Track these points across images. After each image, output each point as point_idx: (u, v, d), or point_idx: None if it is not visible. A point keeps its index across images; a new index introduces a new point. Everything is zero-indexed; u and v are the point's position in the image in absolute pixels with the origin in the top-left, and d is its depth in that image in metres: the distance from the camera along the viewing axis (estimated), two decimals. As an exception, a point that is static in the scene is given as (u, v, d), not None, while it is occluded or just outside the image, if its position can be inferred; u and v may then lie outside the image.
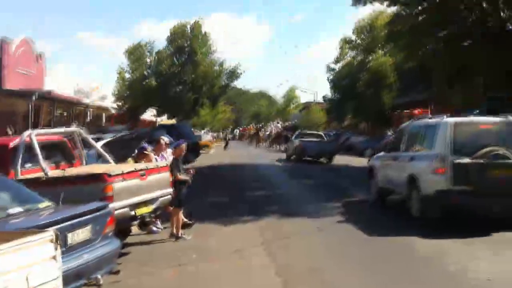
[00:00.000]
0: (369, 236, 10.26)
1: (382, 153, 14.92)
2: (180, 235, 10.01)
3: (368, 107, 42.47)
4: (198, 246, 9.47)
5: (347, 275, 7.66)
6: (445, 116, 11.75)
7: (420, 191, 11.14)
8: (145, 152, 10.69)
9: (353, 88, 44.44)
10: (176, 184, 9.90)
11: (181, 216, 10.29)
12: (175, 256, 8.75)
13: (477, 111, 13.66)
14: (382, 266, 8.07)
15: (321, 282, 7.28)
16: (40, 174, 8.24)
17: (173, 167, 10.05)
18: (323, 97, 55.13)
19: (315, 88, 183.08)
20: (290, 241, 9.95)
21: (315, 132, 38.27)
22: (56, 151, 10.13)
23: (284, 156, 35.27)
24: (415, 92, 36.37)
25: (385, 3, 25.03)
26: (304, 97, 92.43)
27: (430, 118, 12.67)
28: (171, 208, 10.02)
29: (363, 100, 42.91)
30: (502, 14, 21.63)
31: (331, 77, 49.70)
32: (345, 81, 46.79)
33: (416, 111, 33.96)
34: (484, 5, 22.05)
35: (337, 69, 49.31)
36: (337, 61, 49.32)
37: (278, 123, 76.69)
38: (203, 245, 9.65)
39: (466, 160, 10.42)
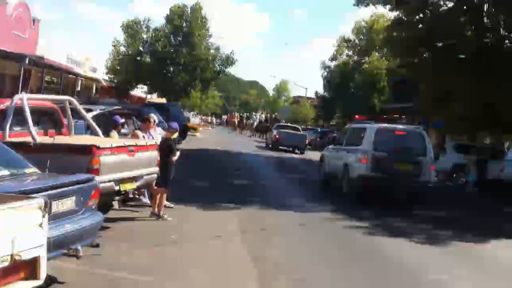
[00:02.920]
0: (347, 233, 10.46)
1: (331, 146, 18.58)
2: (161, 214, 10.03)
3: (358, 108, 42.59)
4: (178, 228, 9.51)
5: (322, 272, 7.75)
6: (373, 122, 15.88)
7: (349, 174, 14.86)
8: (118, 124, 10.80)
9: (346, 88, 44.52)
10: (165, 164, 9.89)
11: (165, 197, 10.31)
12: (154, 236, 8.78)
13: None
14: (358, 267, 8.21)
15: (295, 278, 7.33)
16: (27, 139, 8.17)
17: (170, 148, 10.06)
18: (315, 92, 55.20)
19: (307, 84, 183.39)
20: (268, 233, 10.01)
21: (292, 125, 41.56)
22: (46, 117, 10.01)
23: (263, 144, 38.73)
24: (405, 100, 36.42)
25: (388, 7, 25.09)
26: (295, 91, 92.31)
27: (364, 122, 16.66)
28: (156, 188, 10.03)
29: (354, 101, 43.02)
30: (501, 31, 21.80)
31: (325, 74, 49.74)
32: (338, 80, 46.84)
33: (357, 116, 36.62)
34: (485, 20, 22.18)
35: (332, 67, 49.33)
36: (333, 58, 49.35)
37: (262, 113, 77.78)
38: (183, 227, 9.69)
39: (381, 154, 14.25)
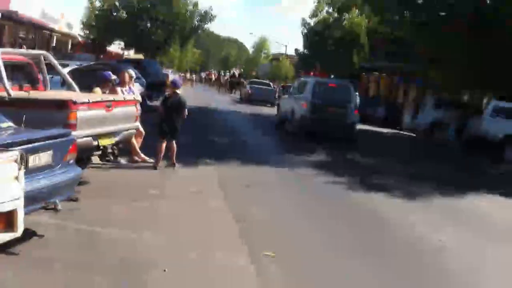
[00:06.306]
0: (327, 189, 10.57)
1: (286, 96, 23.54)
2: (174, 164, 10.85)
3: (337, 66, 42.37)
4: (158, 184, 9.46)
5: (305, 228, 7.82)
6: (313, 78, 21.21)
7: (294, 117, 19.20)
8: (108, 80, 10.55)
9: (326, 45, 44.23)
10: (176, 118, 10.71)
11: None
12: (134, 191, 8.71)
13: (332, 76, 23.35)
14: (342, 223, 8.31)
15: (276, 233, 7.39)
16: (2, 94, 7.97)
17: (183, 104, 10.83)
18: (295, 49, 54.73)
19: (288, 41, 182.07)
20: (249, 190, 10.02)
21: (264, 81, 47.59)
22: (20, 72, 9.76)
23: (237, 99, 43.62)
24: (385, 59, 36.29)
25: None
26: (275, 49, 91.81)
27: (308, 77, 21.82)
28: (164, 139, 10.64)
29: (333, 58, 42.80)
30: None
31: (305, 31, 49.29)
32: (318, 37, 46.45)
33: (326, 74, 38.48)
34: None
35: (312, 24, 48.85)
36: (313, 15, 48.83)
37: (235, 70, 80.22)
38: (163, 183, 9.65)
39: (317, 101, 18.37)
